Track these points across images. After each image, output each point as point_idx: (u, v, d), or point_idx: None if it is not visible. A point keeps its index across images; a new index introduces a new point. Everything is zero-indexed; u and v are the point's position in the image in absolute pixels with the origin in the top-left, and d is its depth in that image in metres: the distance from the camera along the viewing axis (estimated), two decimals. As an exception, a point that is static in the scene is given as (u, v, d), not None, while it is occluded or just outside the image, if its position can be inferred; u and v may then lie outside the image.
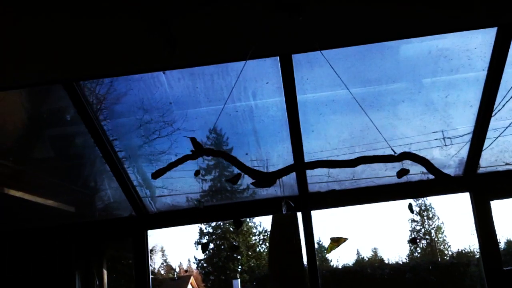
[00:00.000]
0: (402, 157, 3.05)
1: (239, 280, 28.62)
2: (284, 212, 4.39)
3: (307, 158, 5.22)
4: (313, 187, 5.59)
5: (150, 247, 5.90)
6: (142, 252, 5.69)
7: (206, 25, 3.52)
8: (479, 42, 4.39)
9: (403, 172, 3.07)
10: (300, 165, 3.08)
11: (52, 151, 6.66)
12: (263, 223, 31.25)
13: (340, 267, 28.52)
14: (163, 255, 35.33)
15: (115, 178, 5.30)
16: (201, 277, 32.04)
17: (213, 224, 31.16)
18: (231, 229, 30.28)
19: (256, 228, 31.51)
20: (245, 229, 30.86)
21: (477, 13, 3.86)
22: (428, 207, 33.41)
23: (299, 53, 4.22)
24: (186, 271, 34.06)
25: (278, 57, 4.31)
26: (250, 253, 30.67)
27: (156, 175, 3.19)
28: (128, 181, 5.38)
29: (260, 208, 5.66)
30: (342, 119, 4.99)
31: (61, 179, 6.40)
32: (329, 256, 31.30)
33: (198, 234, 31.87)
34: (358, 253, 35.08)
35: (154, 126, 5.14)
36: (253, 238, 31.40)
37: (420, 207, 33.31)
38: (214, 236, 31.52)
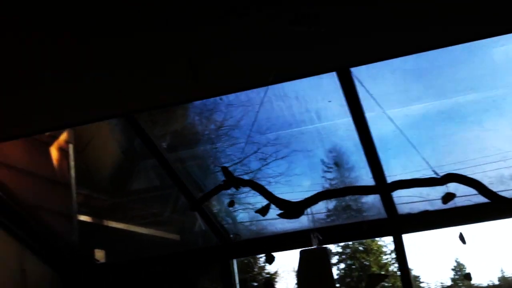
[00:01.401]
0: (447, 179, 2.69)
1: (372, 300, 27.74)
2: (314, 246, 4.05)
3: (390, 179, 4.86)
4: (403, 208, 5.19)
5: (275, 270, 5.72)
6: (229, 282, 5.58)
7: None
8: None
9: (448, 197, 2.71)
10: (326, 193, 2.82)
11: (147, 182, 6.86)
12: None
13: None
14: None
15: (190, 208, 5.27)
16: (334, 297, 31.45)
17: (342, 243, 30.54)
18: (360, 248, 29.50)
19: (386, 246, 30.44)
20: (375, 248, 29.92)
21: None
22: None
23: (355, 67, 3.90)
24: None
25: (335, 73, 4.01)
26: (382, 272, 29.62)
27: (194, 206, 3.09)
28: (207, 210, 5.30)
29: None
30: (420, 135, 4.59)
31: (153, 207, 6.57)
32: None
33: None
34: (502, 271, 32.47)
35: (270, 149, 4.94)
36: (384, 257, 30.33)
37: None
38: (344, 256, 30.89)
